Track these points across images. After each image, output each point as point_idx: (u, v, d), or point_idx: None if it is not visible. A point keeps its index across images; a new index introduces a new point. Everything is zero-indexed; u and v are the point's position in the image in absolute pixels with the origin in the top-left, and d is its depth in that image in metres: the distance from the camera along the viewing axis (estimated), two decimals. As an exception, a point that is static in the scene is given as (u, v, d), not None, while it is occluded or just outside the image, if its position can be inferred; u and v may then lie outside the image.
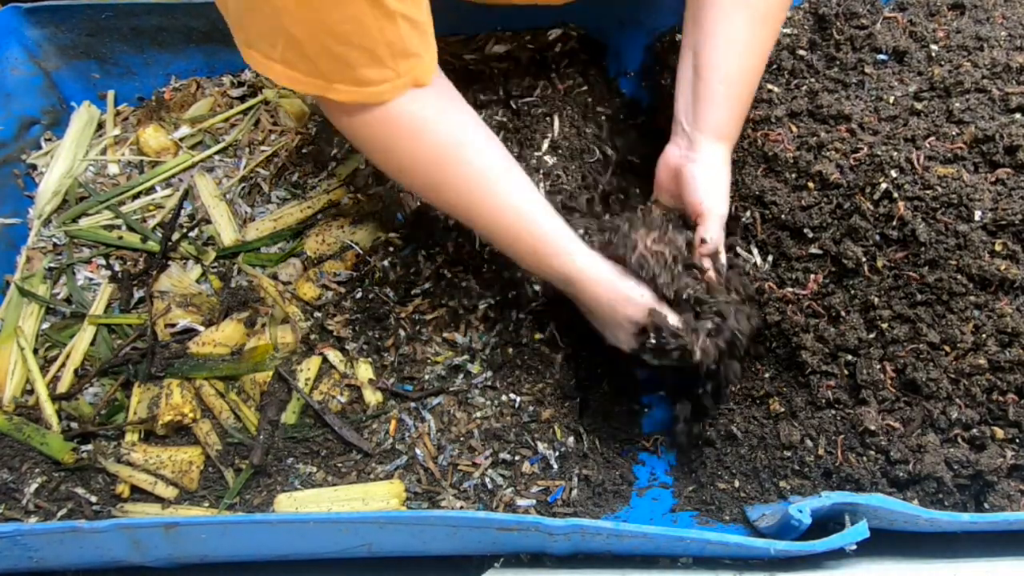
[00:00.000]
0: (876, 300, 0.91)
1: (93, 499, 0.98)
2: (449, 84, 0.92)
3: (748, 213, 1.04)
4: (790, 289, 0.98)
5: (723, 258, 0.98)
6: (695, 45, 0.97)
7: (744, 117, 1.02)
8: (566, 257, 0.93)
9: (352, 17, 0.78)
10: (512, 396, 1.01)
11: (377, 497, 0.94)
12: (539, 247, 0.92)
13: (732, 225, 1.07)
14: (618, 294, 0.92)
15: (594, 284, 0.93)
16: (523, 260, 0.95)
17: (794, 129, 1.05)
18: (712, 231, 0.96)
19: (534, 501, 0.95)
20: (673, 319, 0.91)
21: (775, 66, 1.14)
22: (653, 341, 0.91)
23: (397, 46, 0.82)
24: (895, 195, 0.92)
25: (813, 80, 1.10)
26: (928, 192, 0.90)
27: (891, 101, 1.00)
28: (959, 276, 0.88)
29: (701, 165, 0.98)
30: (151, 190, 1.28)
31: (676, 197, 1.02)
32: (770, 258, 1.02)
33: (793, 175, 1.01)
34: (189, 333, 1.10)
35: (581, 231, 0.98)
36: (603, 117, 1.24)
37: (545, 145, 1.16)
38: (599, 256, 0.94)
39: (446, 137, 0.89)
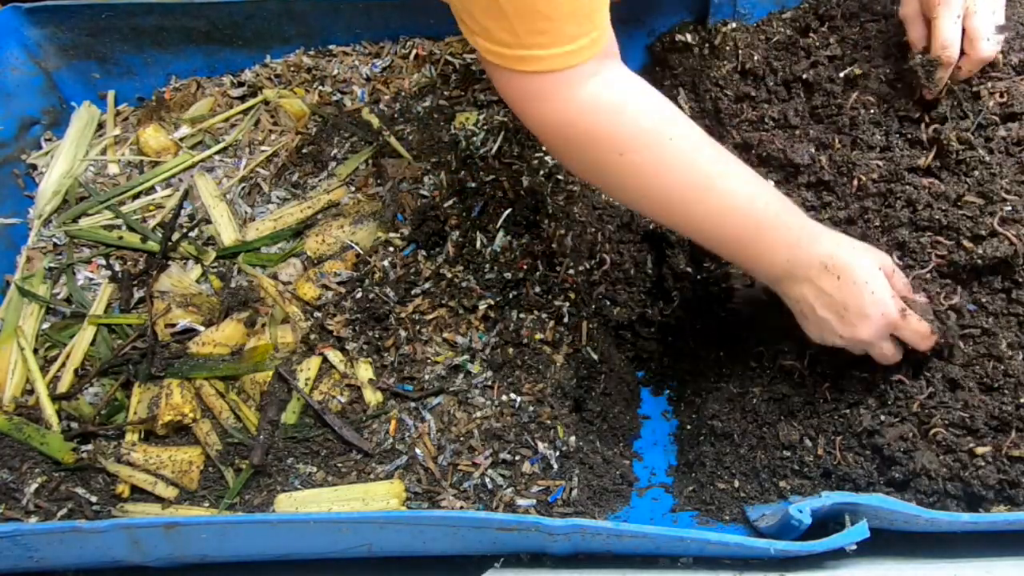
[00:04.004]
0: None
1: (93, 499, 0.98)
2: None
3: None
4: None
5: None
6: None
7: None
8: (823, 235, 0.84)
9: None
10: (512, 396, 1.01)
11: (377, 497, 0.94)
12: (787, 235, 0.83)
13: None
14: (884, 261, 0.84)
15: (854, 255, 0.83)
16: (762, 255, 0.85)
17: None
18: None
19: (534, 501, 0.95)
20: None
21: (775, 66, 1.14)
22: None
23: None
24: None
25: (813, 80, 1.10)
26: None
27: (891, 101, 1.00)
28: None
29: None
30: (151, 190, 1.28)
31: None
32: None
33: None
34: (189, 333, 1.10)
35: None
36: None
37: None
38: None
39: (654, 115, 0.81)
